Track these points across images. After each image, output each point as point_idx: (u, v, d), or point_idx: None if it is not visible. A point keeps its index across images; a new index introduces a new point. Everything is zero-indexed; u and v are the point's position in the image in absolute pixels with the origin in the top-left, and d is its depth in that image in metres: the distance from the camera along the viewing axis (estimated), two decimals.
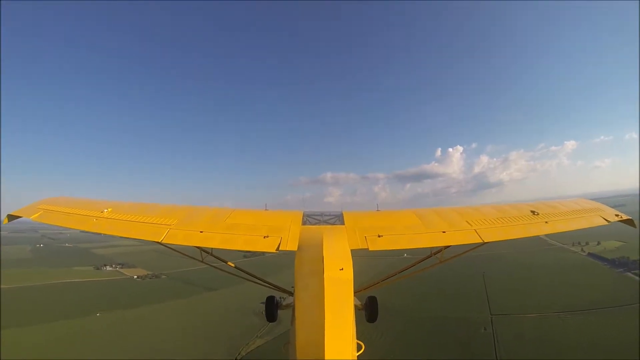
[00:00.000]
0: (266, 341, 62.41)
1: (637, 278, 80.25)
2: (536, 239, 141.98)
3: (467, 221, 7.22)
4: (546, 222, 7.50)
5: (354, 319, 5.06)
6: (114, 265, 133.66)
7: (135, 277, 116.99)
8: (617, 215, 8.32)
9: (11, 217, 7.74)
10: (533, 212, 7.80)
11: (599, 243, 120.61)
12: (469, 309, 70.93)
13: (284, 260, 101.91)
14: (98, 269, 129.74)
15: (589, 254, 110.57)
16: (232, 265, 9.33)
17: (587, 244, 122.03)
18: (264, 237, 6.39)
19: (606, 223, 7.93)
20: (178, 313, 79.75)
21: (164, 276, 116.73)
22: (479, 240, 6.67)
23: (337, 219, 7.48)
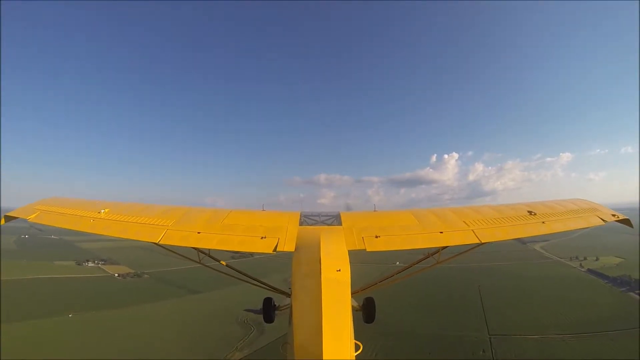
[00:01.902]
0: (246, 355, 58.19)
1: (638, 298, 77.27)
2: (532, 251, 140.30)
3: (464, 221, 7.11)
4: (543, 222, 7.39)
5: (352, 320, 4.95)
6: (96, 261, 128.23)
7: (117, 275, 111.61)
8: (614, 215, 8.15)
9: (8, 218, 7.76)
10: (530, 212, 7.68)
11: (597, 259, 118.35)
12: (465, 326, 67.00)
13: (273, 263, 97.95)
14: (79, 264, 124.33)
15: (589, 270, 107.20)
16: (224, 263, 9.07)
17: (585, 259, 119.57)
18: (262, 238, 6.30)
19: (603, 223, 7.84)
20: (154, 318, 74.91)
21: (146, 275, 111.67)
22: (476, 241, 6.58)
23: (335, 219, 7.43)
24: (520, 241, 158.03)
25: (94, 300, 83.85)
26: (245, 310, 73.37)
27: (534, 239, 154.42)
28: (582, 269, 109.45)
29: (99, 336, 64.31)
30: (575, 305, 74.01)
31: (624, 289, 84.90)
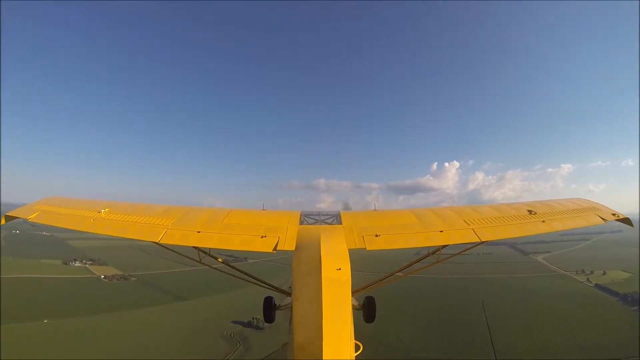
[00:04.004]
0: None
1: None
2: (535, 263, 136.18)
3: (464, 220, 7.05)
4: (543, 222, 7.28)
5: (352, 319, 4.91)
6: (84, 261, 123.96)
7: (102, 277, 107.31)
8: (614, 215, 8.07)
9: (8, 218, 7.74)
10: (530, 211, 7.58)
11: (604, 273, 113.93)
12: (469, 349, 62.10)
13: (266, 266, 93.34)
14: (66, 263, 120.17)
15: (596, 286, 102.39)
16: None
17: (591, 272, 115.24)
18: (262, 237, 6.29)
19: (603, 222, 7.78)
20: (133, 327, 70.03)
21: (133, 278, 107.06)
22: (476, 240, 6.57)
23: (335, 218, 7.43)
24: (522, 252, 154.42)
25: (73, 305, 79.17)
26: (232, 322, 68.95)
27: (536, 250, 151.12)
28: (590, 284, 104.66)
29: (71, 346, 59.67)
30: (587, 326, 69.17)
31: (636, 307, 79.73)
